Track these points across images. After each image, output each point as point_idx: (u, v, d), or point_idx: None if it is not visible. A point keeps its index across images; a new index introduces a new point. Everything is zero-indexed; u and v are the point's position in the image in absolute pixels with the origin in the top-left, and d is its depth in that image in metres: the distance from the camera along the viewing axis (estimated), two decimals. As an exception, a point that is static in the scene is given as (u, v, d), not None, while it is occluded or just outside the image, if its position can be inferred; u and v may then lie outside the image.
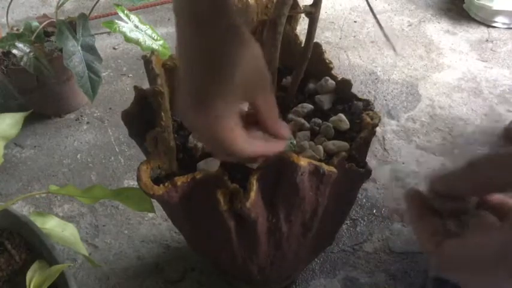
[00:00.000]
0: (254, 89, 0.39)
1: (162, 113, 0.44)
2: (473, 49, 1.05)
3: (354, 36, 1.10)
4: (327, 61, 0.56)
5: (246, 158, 0.39)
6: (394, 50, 0.43)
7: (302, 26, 0.55)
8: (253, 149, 0.39)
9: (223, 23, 0.38)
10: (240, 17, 0.38)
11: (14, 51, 0.75)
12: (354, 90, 0.53)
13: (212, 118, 0.36)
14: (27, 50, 0.75)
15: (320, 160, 0.47)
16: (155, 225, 0.70)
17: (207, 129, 0.37)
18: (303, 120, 0.52)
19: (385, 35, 0.38)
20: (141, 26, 0.79)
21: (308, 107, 0.54)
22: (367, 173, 0.44)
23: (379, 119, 0.48)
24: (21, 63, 0.75)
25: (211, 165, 0.47)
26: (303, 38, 0.53)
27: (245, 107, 0.48)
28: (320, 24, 0.50)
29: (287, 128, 0.41)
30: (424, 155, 0.81)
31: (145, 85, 0.48)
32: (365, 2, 0.42)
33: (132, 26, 0.78)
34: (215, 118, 0.36)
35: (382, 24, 0.42)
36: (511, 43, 1.06)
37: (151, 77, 0.48)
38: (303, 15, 0.50)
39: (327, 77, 0.55)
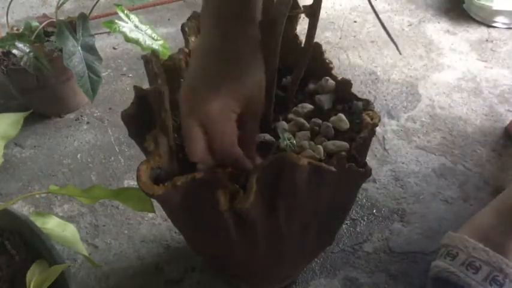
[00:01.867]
0: (250, 102, 0.43)
1: (162, 113, 0.44)
2: (473, 49, 1.05)
3: (354, 36, 1.10)
4: (327, 61, 0.56)
5: (222, 151, 0.42)
6: (398, 49, 0.43)
7: (302, 26, 0.55)
8: (234, 142, 0.42)
9: (247, 33, 0.42)
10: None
11: (14, 51, 0.75)
12: (354, 90, 0.53)
13: (218, 98, 0.41)
14: (27, 50, 0.75)
15: (320, 160, 0.47)
16: (155, 225, 0.70)
17: (207, 105, 0.41)
18: (302, 120, 0.52)
19: (389, 35, 0.38)
20: (141, 26, 0.79)
21: (308, 107, 0.54)
22: (367, 173, 0.44)
23: (379, 119, 0.48)
24: (21, 63, 0.74)
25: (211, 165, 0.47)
26: (303, 38, 0.53)
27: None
28: (320, 24, 0.50)
29: (255, 160, 0.45)
30: (424, 155, 0.81)
31: (146, 85, 0.48)
32: (365, 2, 0.42)
33: (132, 26, 0.78)
34: (220, 98, 0.41)
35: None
36: (511, 43, 1.06)
37: (151, 77, 0.48)
38: (303, 15, 0.50)
39: (327, 77, 0.55)
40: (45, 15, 0.94)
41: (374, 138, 0.71)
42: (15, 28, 0.86)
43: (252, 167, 0.44)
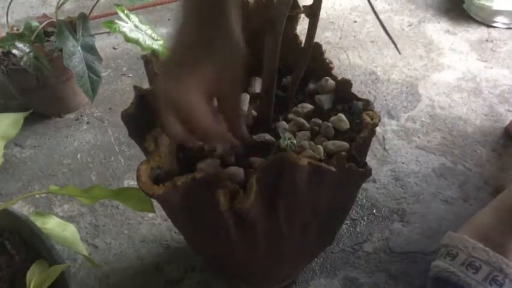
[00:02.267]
0: (223, 76, 0.41)
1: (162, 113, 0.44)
2: (473, 49, 1.05)
3: (354, 36, 1.10)
4: (327, 61, 0.56)
5: (200, 130, 0.41)
6: (397, 49, 0.44)
7: (302, 26, 0.55)
8: (208, 123, 0.41)
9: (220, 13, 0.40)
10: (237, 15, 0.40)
11: (14, 51, 0.75)
12: (354, 90, 0.53)
13: (182, 82, 0.40)
14: (27, 50, 0.75)
15: (320, 160, 0.47)
16: (155, 225, 0.70)
17: (175, 92, 0.40)
18: (302, 120, 0.52)
19: (388, 35, 0.38)
20: (141, 26, 0.79)
21: (308, 107, 0.54)
22: (367, 173, 0.44)
23: (379, 119, 0.48)
24: (21, 63, 0.74)
25: (211, 165, 0.47)
26: (303, 38, 0.53)
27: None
28: (320, 24, 0.50)
29: (243, 133, 0.45)
30: (424, 155, 0.81)
31: (145, 85, 0.48)
32: (365, 2, 0.42)
33: (132, 26, 0.78)
34: (185, 82, 0.40)
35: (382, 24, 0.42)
36: (511, 43, 1.06)
37: (151, 77, 0.48)
38: (303, 15, 0.50)
39: (327, 77, 0.55)
40: (45, 15, 0.94)
41: (374, 138, 0.71)
42: (15, 28, 0.86)
43: (236, 143, 0.44)
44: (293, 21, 0.58)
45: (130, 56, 1.05)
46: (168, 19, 1.18)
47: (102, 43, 1.07)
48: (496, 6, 1.08)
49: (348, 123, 0.51)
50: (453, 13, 1.17)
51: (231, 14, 0.41)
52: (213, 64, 0.40)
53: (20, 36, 0.77)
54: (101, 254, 0.67)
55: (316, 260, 0.65)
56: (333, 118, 0.51)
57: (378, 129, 0.54)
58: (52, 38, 0.84)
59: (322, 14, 1.13)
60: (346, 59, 1.03)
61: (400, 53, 1.03)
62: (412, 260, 0.66)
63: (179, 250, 0.67)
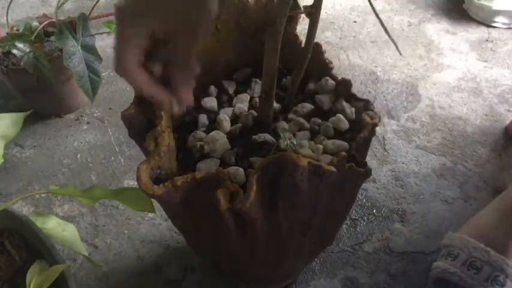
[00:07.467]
0: (180, 23, 0.35)
1: (162, 113, 0.44)
2: (473, 49, 1.05)
3: (354, 36, 1.10)
4: (327, 61, 0.56)
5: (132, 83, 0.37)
6: (398, 50, 0.43)
7: (302, 26, 0.55)
8: (135, 78, 0.36)
9: None
10: None
11: (14, 51, 0.75)
12: (354, 90, 0.53)
13: (121, 26, 0.36)
14: (27, 50, 0.75)
15: (320, 160, 0.47)
16: (155, 225, 0.70)
17: (116, 32, 0.36)
18: (302, 120, 0.52)
19: (389, 35, 0.38)
20: (141, 26, 0.79)
21: (308, 107, 0.54)
22: (367, 173, 0.44)
23: (379, 119, 0.48)
24: (21, 63, 0.74)
25: (211, 165, 0.47)
26: (303, 38, 0.53)
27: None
28: (320, 24, 0.50)
29: (190, 94, 0.38)
30: (424, 155, 0.81)
31: (145, 85, 0.48)
32: (365, 2, 0.42)
33: (132, 26, 0.77)
34: (123, 28, 0.36)
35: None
36: (511, 43, 1.06)
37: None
38: (303, 15, 0.50)
39: (327, 77, 0.55)
40: (45, 15, 0.94)
41: (374, 138, 0.71)
42: (15, 28, 0.86)
43: (169, 106, 0.39)
44: (293, 21, 0.58)
45: (131, 56, 1.04)
46: (168, 19, 1.18)
47: (102, 43, 1.07)
48: (496, 6, 1.08)
49: (347, 123, 0.51)
50: (453, 13, 1.17)
51: None
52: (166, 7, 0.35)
53: (20, 36, 0.77)
54: (101, 254, 0.67)
55: (316, 260, 0.65)
56: (332, 118, 0.51)
57: (378, 129, 0.54)
58: (52, 38, 0.83)
59: (322, 14, 1.13)
60: (346, 59, 1.03)
61: (401, 54, 1.03)
62: (412, 260, 0.66)
63: (179, 250, 0.67)
